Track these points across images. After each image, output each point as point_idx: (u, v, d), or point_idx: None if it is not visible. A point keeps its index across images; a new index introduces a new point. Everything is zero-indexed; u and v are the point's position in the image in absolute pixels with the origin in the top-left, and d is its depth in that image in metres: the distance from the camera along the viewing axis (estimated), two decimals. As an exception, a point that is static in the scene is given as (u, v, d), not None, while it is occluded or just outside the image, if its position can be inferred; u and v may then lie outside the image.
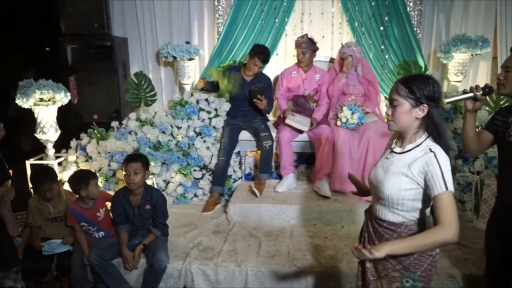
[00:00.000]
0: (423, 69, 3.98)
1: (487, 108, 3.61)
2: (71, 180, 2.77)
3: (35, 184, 2.82)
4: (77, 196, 2.77)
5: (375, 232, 1.68)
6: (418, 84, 1.53)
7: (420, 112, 1.54)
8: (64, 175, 3.48)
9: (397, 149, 1.63)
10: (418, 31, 4.20)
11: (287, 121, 3.53)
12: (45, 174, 2.86)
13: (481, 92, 1.84)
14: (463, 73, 4.04)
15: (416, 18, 4.18)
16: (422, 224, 1.59)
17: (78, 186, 2.71)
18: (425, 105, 1.53)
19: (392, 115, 1.59)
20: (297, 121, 3.54)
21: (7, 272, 2.15)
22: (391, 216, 1.61)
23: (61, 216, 2.85)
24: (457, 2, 4.24)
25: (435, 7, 4.26)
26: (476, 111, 1.92)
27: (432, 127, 1.55)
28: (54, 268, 2.76)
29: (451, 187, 1.47)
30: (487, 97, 2.13)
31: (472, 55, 3.98)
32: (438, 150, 1.51)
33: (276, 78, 3.98)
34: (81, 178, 2.73)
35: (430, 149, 1.52)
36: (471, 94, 1.84)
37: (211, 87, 3.87)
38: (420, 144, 1.56)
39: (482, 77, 4.43)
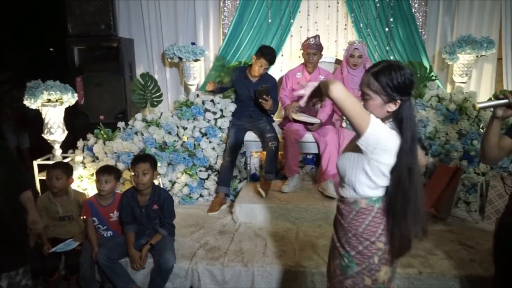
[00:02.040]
0: (428, 70, 3.98)
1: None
2: (101, 168, 2.92)
3: (48, 170, 2.89)
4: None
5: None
6: (390, 78, 1.46)
7: (393, 106, 1.50)
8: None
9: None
10: (423, 32, 4.21)
11: (296, 116, 3.53)
12: (60, 163, 3.00)
13: None
14: (468, 74, 4.05)
15: (421, 19, 4.18)
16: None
17: (96, 173, 2.84)
18: (398, 100, 1.48)
19: (366, 107, 1.53)
20: (306, 116, 3.55)
21: (19, 269, 2.19)
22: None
23: (69, 216, 2.89)
24: (462, 3, 4.25)
25: (440, 8, 4.27)
26: (505, 119, 1.78)
27: (399, 120, 1.50)
28: (63, 267, 2.79)
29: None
30: None
31: (477, 56, 3.98)
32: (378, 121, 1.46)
33: (281, 79, 3.99)
34: (107, 169, 2.87)
35: None
36: (506, 101, 1.68)
37: (220, 89, 3.88)
38: None
39: (487, 78, 4.43)
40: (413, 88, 1.50)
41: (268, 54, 3.60)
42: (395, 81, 1.46)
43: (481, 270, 2.53)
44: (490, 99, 1.80)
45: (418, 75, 3.95)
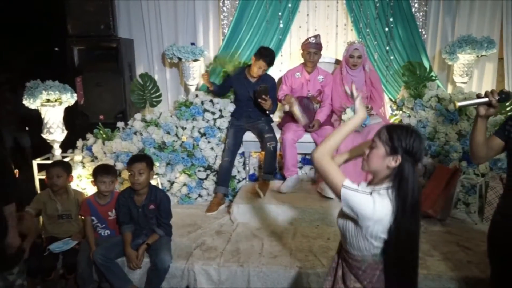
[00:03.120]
0: (428, 70, 3.96)
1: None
2: (99, 167, 2.95)
3: (48, 169, 2.91)
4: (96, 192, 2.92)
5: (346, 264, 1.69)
6: (399, 134, 1.50)
7: (393, 162, 1.50)
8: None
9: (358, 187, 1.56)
10: (423, 32, 4.19)
11: (293, 108, 3.52)
12: (60, 162, 3.04)
13: (497, 98, 1.73)
14: (469, 74, 4.02)
15: (421, 19, 4.16)
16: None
17: (96, 174, 2.86)
18: (399, 156, 1.49)
19: (367, 155, 1.57)
20: (300, 114, 3.54)
21: (14, 269, 2.22)
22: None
23: (68, 214, 2.92)
24: (463, 3, 4.22)
25: (440, 8, 4.24)
26: (488, 117, 1.81)
27: (397, 181, 1.50)
28: (60, 266, 2.80)
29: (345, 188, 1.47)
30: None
31: (477, 56, 3.96)
32: (376, 197, 1.47)
33: (280, 79, 3.98)
34: (103, 169, 2.89)
35: (371, 192, 1.49)
36: (486, 99, 1.73)
37: (218, 90, 3.88)
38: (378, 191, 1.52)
39: (488, 78, 4.40)
40: (419, 157, 1.51)
41: (267, 56, 3.59)
42: (404, 140, 1.49)
43: (478, 272, 2.51)
44: (472, 98, 1.82)
45: (418, 75, 3.93)
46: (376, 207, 1.46)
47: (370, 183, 1.59)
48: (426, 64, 4.04)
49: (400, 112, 3.94)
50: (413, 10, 4.10)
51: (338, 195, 1.50)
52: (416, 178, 1.52)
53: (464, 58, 3.95)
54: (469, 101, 1.80)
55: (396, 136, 1.50)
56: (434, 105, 3.71)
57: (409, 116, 3.83)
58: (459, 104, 1.76)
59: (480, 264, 2.57)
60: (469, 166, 3.44)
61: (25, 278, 2.31)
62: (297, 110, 3.53)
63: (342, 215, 1.59)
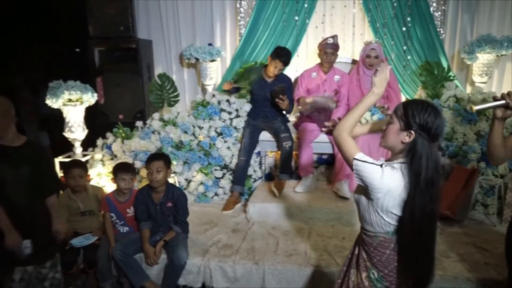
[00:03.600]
0: (446, 70, 3.92)
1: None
2: (119, 165, 3.01)
3: (66, 170, 2.99)
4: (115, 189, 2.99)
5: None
6: (414, 108, 1.49)
7: (407, 137, 1.49)
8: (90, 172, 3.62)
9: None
10: (442, 32, 4.15)
11: (309, 100, 3.53)
12: (77, 162, 3.11)
13: None
14: (488, 74, 3.96)
15: (439, 19, 4.12)
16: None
17: (116, 172, 2.91)
18: (412, 131, 1.48)
19: (384, 131, 1.57)
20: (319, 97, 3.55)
21: (46, 263, 2.31)
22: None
23: (90, 211, 2.99)
24: (483, 2, 4.16)
25: (459, 7, 4.19)
26: (505, 119, 1.79)
27: (410, 156, 1.48)
28: (81, 261, 2.88)
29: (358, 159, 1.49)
30: None
31: (497, 55, 3.90)
32: (387, 169, 1.47)
33: (297, 79, 4.00)
34: (123, 167, 2.95)
35: (381, 165, 1.49)
36: (503, 102, 1.72)
37: (234, 89, 3.93)
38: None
39: (508, 78, 4.32)
40: (435, 133, 1.48)
41: (283, 55, 3.62)
42: (419, 115, 1.48)
43: (495, 274, 2.49)
44: (488, 101, 1.81)
45: (436, 75, 3.90)
46: (384, 177, 1.46)
47: (388, 160, 1.60)
48: (444, 64, 4.00)
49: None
50: (431, 9, 4.07)
51: (351, 167, 1.53)
52: (433, 156, 1.48)
53: (484, 57, 3.89)
54: (486, 105, 1.79)
55: (411, 110, 1.49)
56: (452, 105, 3.68)
57: (427, 116, 3.79)
58: (476, 108, 1.74)
59: (498, 266, 2.54)
60: (488, 167, 3.39)
61: (57, 271, 2.38)
62: (316, 98, 3.53)
63: (357, 189, 1.63)
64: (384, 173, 1.47)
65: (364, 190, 1.55)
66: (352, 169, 1.53)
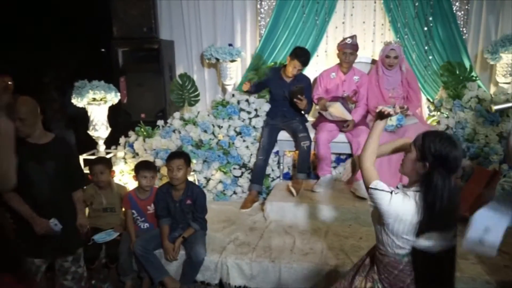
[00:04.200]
0: (468, 70, 3.86)
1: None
2: (141, 163, 3.12)
3: (92, 166, 3.09)
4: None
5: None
6: (431, 140, 1.52)
7: (422, 167, 1.53)
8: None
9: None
10: (465, 31, 4.08)
11: (333, 109, 3.54)
12: (101, 159, 3.23)
13: None
14: (512, 74, 3.89)
15: (462, 18, 4.06)
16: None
17: (138, 170, 3.01)
18: (427, 163, 1.51)
19: (403, 159, 1.63)
20: (342, 110, 3.56)
21: (68, 257, 2.38)
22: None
23: (112, 208, 3.09)
24: (508, 1, 4.07)
25: (483, 7, 4.11)
26: None
27: (424, 186, 1.51)
28: (103, 256, 2.98)
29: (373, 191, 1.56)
30: None
31: (522, 55, 3.82)
32: (398, 195, 1.52)
33: (316, 79, 4.01)
34: (145, 164, 3.05)
35: (392, 191, 1.53)
36: None
37: (255, 89, 3.97)
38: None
39: (534, 78, 4.22)
40: (452, 166, 1.51)
41: (302, 56, 3.63)
42: (434, 146, 1.50)
43: (515, 277, 2.45)
44: (508, 101, 1.81)
45: (457, 75, 3.84)
46: (392, 203, 1.51)
47: (405, 186, 1.64)
48: (467, 64, 3.94)
49: (438, 113, 3.86)
50: (454, 8, 4.00)
51: (367, 185, 1.61)
52: (449, 187, 1.50)
53: (508, 57, 3.82)
54: (506, 105, 1.84)
55: (428, 142, 1.52)
56: (474, 106, 3.62)
57: (447, 117, 3.75)
58: (495, 107, 1.78)
59: (518, 269, 2.51)
60: (510, 169, 3.32)
61: (79, 266, 2.44)
62: (338, 108, 3.54)
63: (373, 212, 1.69)
64: (392, 199, 1.51)
65: (378, 213, 1.60)
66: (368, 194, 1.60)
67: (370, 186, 1.57)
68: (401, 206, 1.51)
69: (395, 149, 1.85)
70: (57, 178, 2.27)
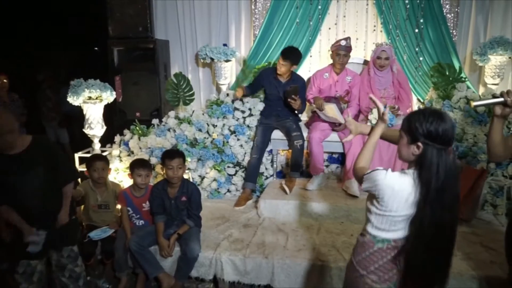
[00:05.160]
0: (457, 71, 3.95)
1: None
2: (136, 161, 3.13)
3: (90, 162, 3.12)
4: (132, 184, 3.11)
5: None
6: (417, 120, 1.49)
7: (416, 149, 1.50)
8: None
9: None
10: (455, 33, 4.17)
11: (328, 108, 3.61)
12: (100, 156, 3.25)
13: None
14: (500, 76, 3.98)
15: (452, 20, 4.14)
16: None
17: (133, 168, 3.02)
18: (419, 143, 1.48)
19: (398, 147, 1.61)
20: (337, 112, 3.62)
21: (63, 252, 2.40)
22: None
23: (106, 205, 3.12)
24: (497, 3, 4.16)
25: (472, 9, 4.21)
26: (505, 117, 1.84)
27: (419, 166, 1.50)
28: (99, 252, 3.02)
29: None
30: None
31: (509, 57, 3.91)
32: (395, 172, 1.53)
33: (309, 79, 4.07)
34: (140, 163, 3.06)
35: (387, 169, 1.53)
36: (501, 99, 1.77)
37: (250, 91, 4.03)
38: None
39: (521, 80, 4.32)
40: (444, 139, 1.47)
41: (287, 53, 3.70)
42: (421, 125, 1.48)
43: (501, 272, 2.52)
44: (487, 98, 1.85)
45: (447, 76, 3.92)
46: (387, 177, 1.50)
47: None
48: (457, 66, 4.02)
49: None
50: (444, 11, 4.09)
51: (361, 183, 1.61)
52: (445, 162, 1.47)
53: (496, 59, 3.91)
54: (485, 101, 1.85)
55: (413, 122, 1.50)
56: (463, 106, 3.71)
57: (437, 117, 3.82)
58: (474, 103, 1.80)
59: (504, 265, 2.55)
60: (497, 168, 3.42)
61: (77, 264, 2.48)
62: (333, 109, 3.60)
63: (368, 197, 1.67)
64: (388, 174, 1.51)
65: (374, 194, 1.58)
66: (361, 185, 1.60)
67: (364, 174, 1.58)
68: (397, 180, 1.50)
69: (385, 136, 1.83)
70: (46, 181, 2.23)
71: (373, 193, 1.57)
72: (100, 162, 3.09)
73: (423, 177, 1.47)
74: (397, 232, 1.57)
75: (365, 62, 4.23)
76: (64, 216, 2.40)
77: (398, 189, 1.50)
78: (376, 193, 1.55)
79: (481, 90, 4.31)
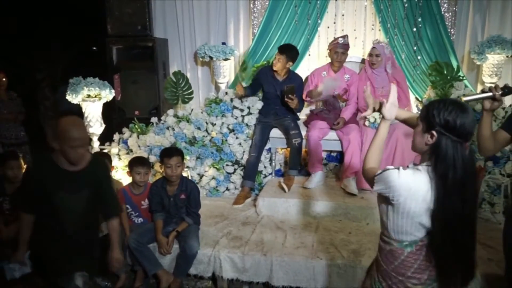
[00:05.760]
0: (455, 70, 3.96)
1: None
2: (134, 159, 3.13)
3: None
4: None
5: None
6: (435, 107, 1.43)
7: (430, 138, 1.43)
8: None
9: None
10: (453, 32, 4.18)
11: (321, 87, 3.63)
12: (103, 154, 3.29)
13: (500, 92, 1.83)
14: (498, 74, 3.99)
15: (450, 19, 4.16)
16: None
17: (132, 165, 3.03)
18: (434, 132, 1.41)
19: (413, 135, 1.54)
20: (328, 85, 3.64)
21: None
22: None
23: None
24: (494, 3, 4.18)
25: (470, 8, 4.22)
26: (493, 111, 1.91)
27: (434, 158, 1.42)
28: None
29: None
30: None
31: (507, 56, 3.93)
32: (408, 170, 1.44)
33: (307, 78, 4.08)
34: (139, 161, 3.06)
35: (398, 168, 1.45)
36: (490, 94, 1.83)
37: (250, 92, 4.04)
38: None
39: (519, 78, 4.34)
40: (461, 132, 1.39)
41: (282, 47, 3.72)
42: (439, 114, 1.41)
43: (498, 270, 2.54)
44: (476, 93, 1.90)
45: (445, 75, 3.93)
46: (401, 176, 1.42)
47: (416, 164, 1.54)
48: (454, 64, 4.03)
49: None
50: (442, 10, 4.10)
51: (372, 185, 1.53)
52: (461, 155, 1.39)
53: (494, 58, 3.93)
54: (474, 96, 1.90)
55: (432, 109, 1.43)
56: (461, 105, 3.71)
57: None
58: (464, 99, 1.83)
59: (501, 262, 2.57)
60: (495, 166, 3.43)
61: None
62: (326, 82, 3.64)
63: (379, 198, 1.60)
64: (401, 173, 1.42)
65: (387, 196, 1.49)
66: (372, 186, 1.51)
67: (375, 175, 1.49)
68: (412, 179, 1.41)
69: (407, 120, 1.76)
70: (91, 204, 2.12)
71: (387, 195, 1.48)
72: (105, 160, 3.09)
73: (438, 169, 1.40)
74: (421, 230, 1.49)
75: (363, 61, 4.24)
76: (118, 255, 2.27)
77: (415, 188, 1.41)
78: (390, 195, 1.45)
79: (479, 88, 4.32)
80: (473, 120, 1.41)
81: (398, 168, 1.44)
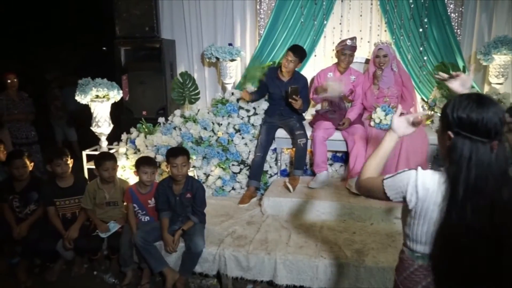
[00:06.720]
0: (461, 71, 3.95)
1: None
2: (141, 158, 3.18)
3: (99, 161, 3.18)
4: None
5: None
6: (451, 104, 1.27)
7: (448, 140, 1.28)
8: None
9: None
10: (459, 32, 4.17)
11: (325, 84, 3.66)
12: (110, 155, 3.31)
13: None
14: (505, 75, 3.98)
15: (457, 20, 4.15)
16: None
17: (139, 165, 3.07)
18: (449, 132, 1.26)
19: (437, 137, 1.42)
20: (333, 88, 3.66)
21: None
22: None
23: (115, 202, 3.19)
24: (501, 3, 4.16)
25: (476, 9, 4.21)
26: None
27: (449, 159, 1.26)
28: (105, 247, 3.09)
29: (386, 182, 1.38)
30: None
31: (514, 57, 3.91)
32: (425, 171, 1.31)
33: (313, 79, 4.10)
34: (145, 160, 3.11)
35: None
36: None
37: (257, 96, 4.07)
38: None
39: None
40: (482, 129, 1.21)
41: (295, 48, 3.73)
42: (454, 111, 1.26)
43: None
44: None
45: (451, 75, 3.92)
46: (419, 176, 1.29)
47: None
48: (461, 65, 4.03)
49: (432, 112, 3.96)
50: (448, 10, 4.10)
51: (384, 193, 1.38)
52: (481, 159, 1.20)
53: (500, 59, 3.91)
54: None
55: (445, 108, 1.28)
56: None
57: (441, 116, 3.84)
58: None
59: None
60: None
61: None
62: (333, 83, 3.66)
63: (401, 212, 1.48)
64: (419, 174, 1.30)
65: (405, 208, 1.37)
66: (386, 196, 1.37)
67: (383, 179, 1.38)
68: (431, 179, 1.28)
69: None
70: None
71: (400, 200, 1.35)
72: (110, 162, 3.16)
73: (449, 171, 1.24)
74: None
75: (367, 61, 4.24)
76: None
77: (432, 190, 1.27)
78: (407, 198, 1.32)
79: (486, 89, 4.31)
80: (495, 114, 1.21)
81: (416, 170, 1.33)
